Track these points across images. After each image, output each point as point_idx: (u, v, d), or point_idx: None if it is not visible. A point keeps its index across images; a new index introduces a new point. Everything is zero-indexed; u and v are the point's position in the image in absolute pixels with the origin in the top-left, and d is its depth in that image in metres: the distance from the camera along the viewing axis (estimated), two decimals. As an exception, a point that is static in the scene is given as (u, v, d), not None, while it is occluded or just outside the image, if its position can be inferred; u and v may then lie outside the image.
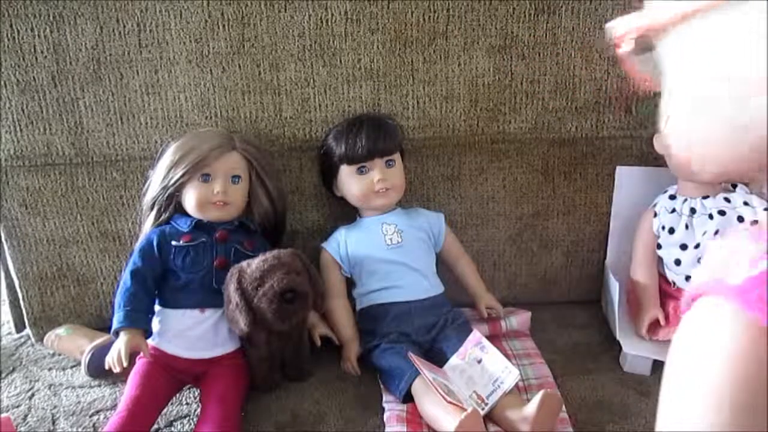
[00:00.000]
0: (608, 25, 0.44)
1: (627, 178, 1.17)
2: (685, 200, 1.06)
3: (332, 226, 1.15)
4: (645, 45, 0.42)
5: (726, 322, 0.37)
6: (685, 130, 0.42)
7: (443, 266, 1.14)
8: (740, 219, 1.02)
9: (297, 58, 1.06)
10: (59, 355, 1.13)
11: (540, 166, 1.17)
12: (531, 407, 0.85)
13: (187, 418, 0.95)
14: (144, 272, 0.98)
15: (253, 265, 0.94)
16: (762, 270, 0.37)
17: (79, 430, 0.94)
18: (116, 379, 1.02)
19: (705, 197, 1.05)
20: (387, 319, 1.04)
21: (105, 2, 1.01)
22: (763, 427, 0.36)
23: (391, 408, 0.94)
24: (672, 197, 1.09)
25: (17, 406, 1.00)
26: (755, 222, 1.01)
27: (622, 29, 0.43)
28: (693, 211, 1.05)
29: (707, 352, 0.38)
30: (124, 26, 1.03)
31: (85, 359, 1.05)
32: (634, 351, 1.03)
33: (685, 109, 0.41)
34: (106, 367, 0.93)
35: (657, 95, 1.16)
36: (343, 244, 1.09)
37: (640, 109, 1.11)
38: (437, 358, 1.01)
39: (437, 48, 1.07)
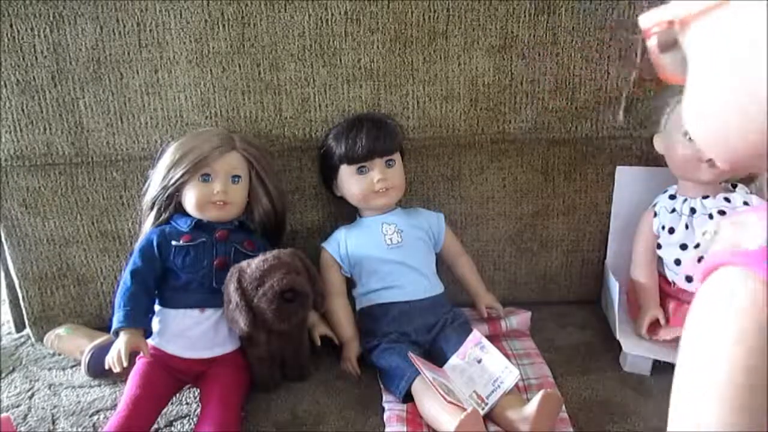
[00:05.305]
0: (639, 18, 0.44)
1: (627, 178, 1.17)
2: (685, 200, 1.06)
3: (332, 226, 1.15)
4: (672, 40, 0.43)
5: (741, 288, 0.37)
6: (703, 116, 0.42)
7: (443, 266, 1.14)
8: (740, 219, 1.02)
9: (297, 58, 1.06)
10: (59, 355, 1.13)
11: (540, 166, 1.17)
12: (531, 407, 0.86)
13: (187, 418, 0.95)
14: (144, 272, 0.98)
15: (253, 264, 0.94)
16: None
17: (79, 430, 0.94)
18: (116, 379, 1.02)
19: (705, 197, 1.05)
20: (387, 318, 1.04)
21: (105, 2, 1.01)
22: None
23: (391, 408, 0.94)
24: (672, 197, 1.08)
25: (17, 406, 1.00)
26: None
27: (647, 23, 0.43)
28: (693, 211, 1.05)
29: (723, 316, 0.38)
30: (124, 26, 1.03)
31: (85, 359, 1.05)
32: (634, 351, 1.03)
33: (703, 96, 0.42)
34: (106, 367, 0.93)
35: (655, 96, 1.14)
36: (343, 243, 1.09)
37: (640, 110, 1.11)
38: (437, 358, 1.01)
39: (437, 48, 1.07)
